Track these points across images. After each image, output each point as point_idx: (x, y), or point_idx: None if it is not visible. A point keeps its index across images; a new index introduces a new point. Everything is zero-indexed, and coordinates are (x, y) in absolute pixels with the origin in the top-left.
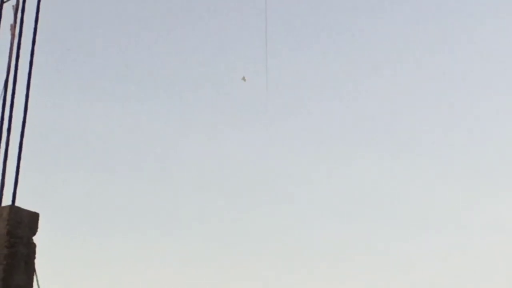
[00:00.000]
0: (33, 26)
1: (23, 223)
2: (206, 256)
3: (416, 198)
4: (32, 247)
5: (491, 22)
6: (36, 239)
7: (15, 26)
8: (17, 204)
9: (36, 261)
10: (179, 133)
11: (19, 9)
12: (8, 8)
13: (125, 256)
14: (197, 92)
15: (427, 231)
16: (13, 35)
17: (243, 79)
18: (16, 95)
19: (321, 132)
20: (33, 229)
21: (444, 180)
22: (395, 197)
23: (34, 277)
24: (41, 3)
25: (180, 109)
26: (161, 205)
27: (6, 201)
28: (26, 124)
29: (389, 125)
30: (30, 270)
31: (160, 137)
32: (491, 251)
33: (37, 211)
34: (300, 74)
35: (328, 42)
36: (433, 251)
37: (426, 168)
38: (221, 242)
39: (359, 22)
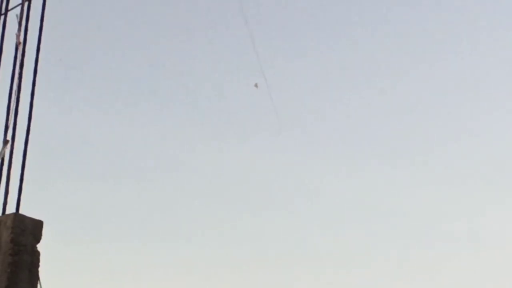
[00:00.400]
0: (37, 34)
1: (27, 231)
2: (209, 265)
3: (419, 206)
4: (36, 255)
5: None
6: (40, 247)
7: (19, 34)
8: (21, 212)
9: (40, 269)
10: (184, 141)
11: (24, 17)
12: (12, 17)
13: (130, 264)
14: (203, 100)
15: (428, 237)
16: (17, 43)
17: (255, 85)
18: (20, 103)
19: (325, 140)
20: (37, 237)
21: (447, 188)
22: (398, 205)
23: (38, 286)
24: (46, 11)
25: (185, 117)
26: (165, 213)
27: (10, 209)
28: (31, 132)
29: (392, 133)
30: (34, 279)
31: (164, 145)
32: (493, 257)
33: (41, 219)
34: (304, 82)
35: (327, 51)
36: (435, 258)
37: (429, 176)
38: (224, 250)
39: (362, 26)
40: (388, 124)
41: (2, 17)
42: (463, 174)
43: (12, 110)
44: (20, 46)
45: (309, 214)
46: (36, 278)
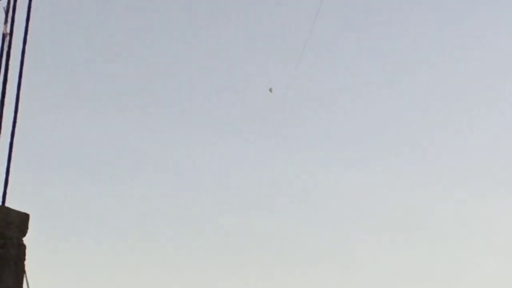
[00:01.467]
0: (24, 26)
1: (13, 224)
2: (198, 261)
3: (404, 207)
4: (22, 249)
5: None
6: (26, 240)
7: (6, 26)
8: (7, 204)
9: (26, 262)
10: (177, 138)
11: (10, 8)
12: None
13: (116, 258)
14: (198, 101)
15: (422, 237)
16: (3, 34)
17: (270, 90)
18: (6, 95)
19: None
20: (23, 230)
21: (431, 189)
22: (395, 206)
23: (24, 279)
24: (32, 3)
25: (179, 117)
26: (157, 209)
27: None
28: (17, 125)
29: (375, 134)
30: (19, 272)
31: (156, 140)
32: (478, 261)
33: (27, 212)
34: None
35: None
36: (428, 258)
37: (413, 176)
38: (216, 249)
39: (359, 28)
40: (373, 129)
41: None
42: (453, 181)
43: None
44: (7, 38)
45: (306, 214)
46: (22, 271)
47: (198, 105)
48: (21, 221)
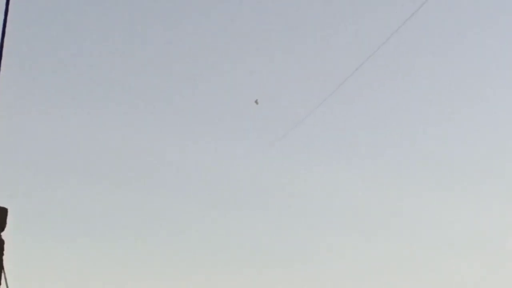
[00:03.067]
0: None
1: None
2: (192, 261)
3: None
4: (0, 244)
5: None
6: (4, 235)
7: None
8: None
9: (4, 257)
10: (167, 138)
11: None
12: None
13: (94, 255)
14: (191, 99)
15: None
16: None
17: (256, 102)
18: None
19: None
20: (1, 225)
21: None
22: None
23: (2, 274)
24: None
25: (169, 117)
26: (145, 208)
27: None
28: None
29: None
30: None
31: (143, 139)
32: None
33: (5, 206)
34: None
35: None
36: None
37: (392, 177)
38: (209, 248)
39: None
40: (355, 131)
41: None
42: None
43: None
44: None
45: (299, 215)
46: (0, 266)
47: (191, 105)
48: None
